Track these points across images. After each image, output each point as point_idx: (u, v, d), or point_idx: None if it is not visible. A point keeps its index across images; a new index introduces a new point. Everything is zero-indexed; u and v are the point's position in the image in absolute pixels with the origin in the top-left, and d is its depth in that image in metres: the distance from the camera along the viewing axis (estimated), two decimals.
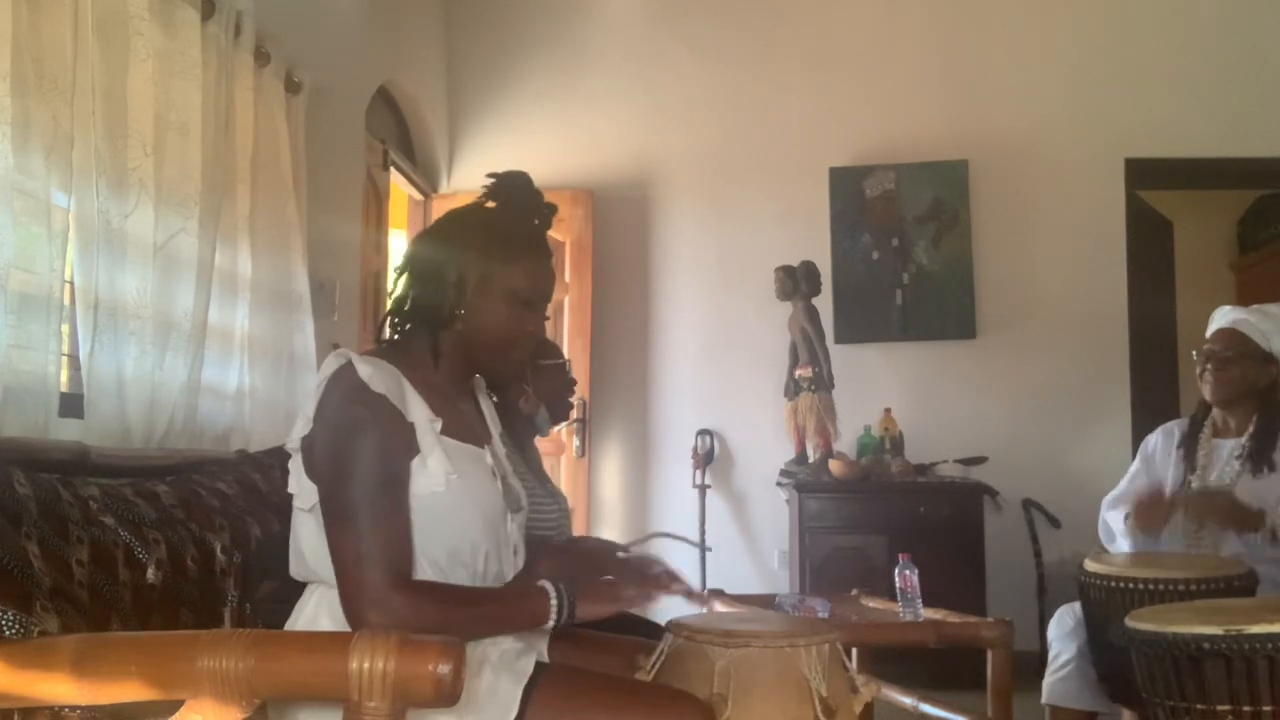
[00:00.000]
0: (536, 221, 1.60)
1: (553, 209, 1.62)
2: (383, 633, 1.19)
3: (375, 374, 1.41)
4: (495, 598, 1.49)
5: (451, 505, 1.44)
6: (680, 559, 4.72)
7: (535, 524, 2.21)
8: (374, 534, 1.35)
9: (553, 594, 1.45)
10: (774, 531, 4.85)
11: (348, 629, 1.22)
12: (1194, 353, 2.83)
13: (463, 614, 1.41)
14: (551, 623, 1.45)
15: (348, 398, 1.40)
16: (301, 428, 1.44)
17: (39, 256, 1.90)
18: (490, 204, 1.60)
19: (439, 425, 1.46)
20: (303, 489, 1.45)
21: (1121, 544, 2.79)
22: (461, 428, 1.53)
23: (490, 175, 1.61)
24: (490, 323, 1.53)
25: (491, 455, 1.59)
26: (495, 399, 1.75)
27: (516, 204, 1.59)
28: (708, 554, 4.72)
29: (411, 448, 1.43)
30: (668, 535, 2.80)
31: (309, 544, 1.45)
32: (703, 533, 4.75)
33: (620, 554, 1.83)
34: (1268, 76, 4.85)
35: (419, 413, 1.45)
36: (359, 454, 1.38)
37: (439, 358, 1.53)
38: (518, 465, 2.24)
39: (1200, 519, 2.63)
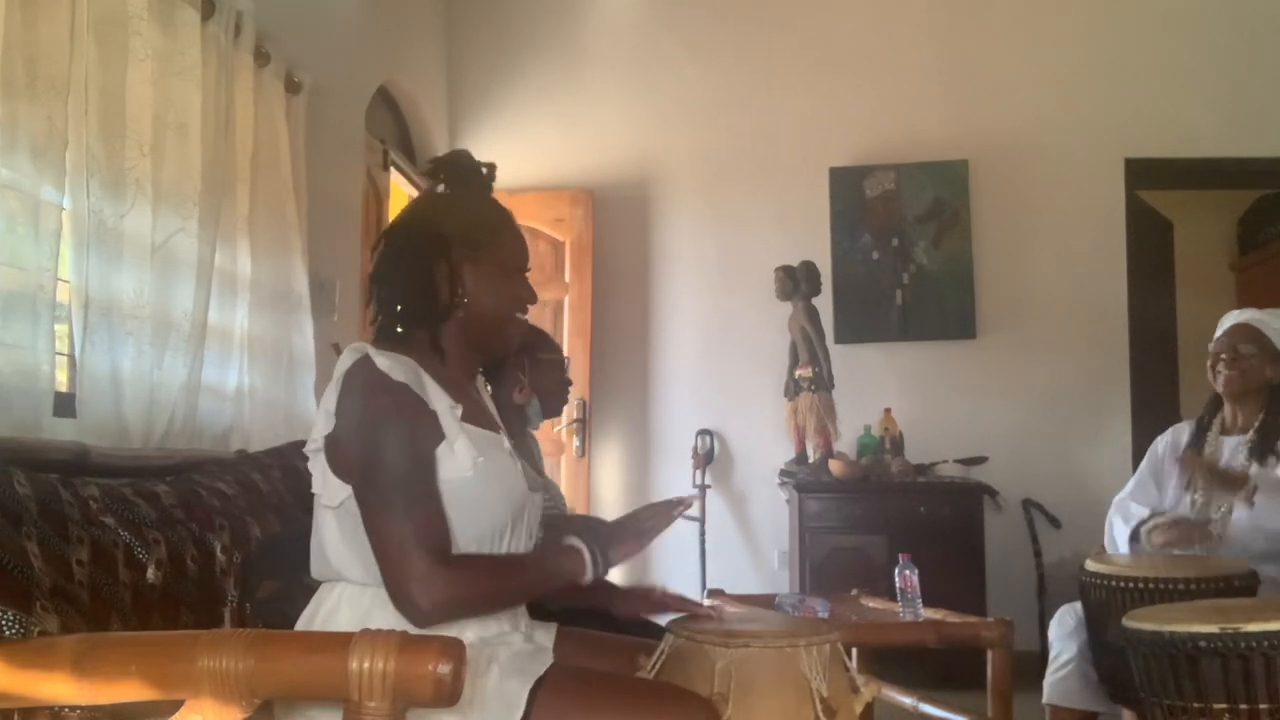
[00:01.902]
0: (490, 192, 1.64)
1: (492, 168, 1.65)
2: (383, 633, 1.19)
3: (394, 365, 1.42)
4: (534, 561, 1.53)
5: (479, 489, 1.45)
6: (679, 557, 4.72)
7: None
8: (412, 517, 1.36)
9: (584, 548, 1.51)
10: (774, 531, 4.85)
11: (366, 626, 1.22)
12: (1215, 343, 2.83)
13: (507, 581, 1.45)
14: (589, 575, 1.50)
15: (370, 389, 1.41)
16: (324, 425, 1.44)
17: (28, 255, 1.89)
18: (440, 189, 1.63)
19: (459, 411, 1.47)
20: (328, 486, 1.44)
21: (1123, 551, 2.80)
22: (478, 414, 1.55)
23: (430, 161, 1.65)
24: (491, 303, 1.56)
25: (507, 439, 1.61)
26: (490, 390, 1.76)
27: (469, 182, 1.62)
28: (706, 550, 4.72)
29: (436, 434, 1.44)
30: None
31: (331, 543, 1.45)
32: (703, 532, 4.75)
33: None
34: (1268, 76, 4.85)
35: (440, 401, 1.46)
36: (388, 442, 1.39)
37: (438, 347, 1.54)
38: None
39: (1193, 472, 2.70)
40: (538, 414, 2.52)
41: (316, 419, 1.47)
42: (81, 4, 2.06)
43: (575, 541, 1.52)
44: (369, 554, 1.40)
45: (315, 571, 1.50)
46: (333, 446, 1.43)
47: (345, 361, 1.45)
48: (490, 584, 1.43)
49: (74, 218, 2.07)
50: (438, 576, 1.34)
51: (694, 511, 4.70)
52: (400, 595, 1.35)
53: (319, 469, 1.46)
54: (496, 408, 1.72)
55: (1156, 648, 1.73)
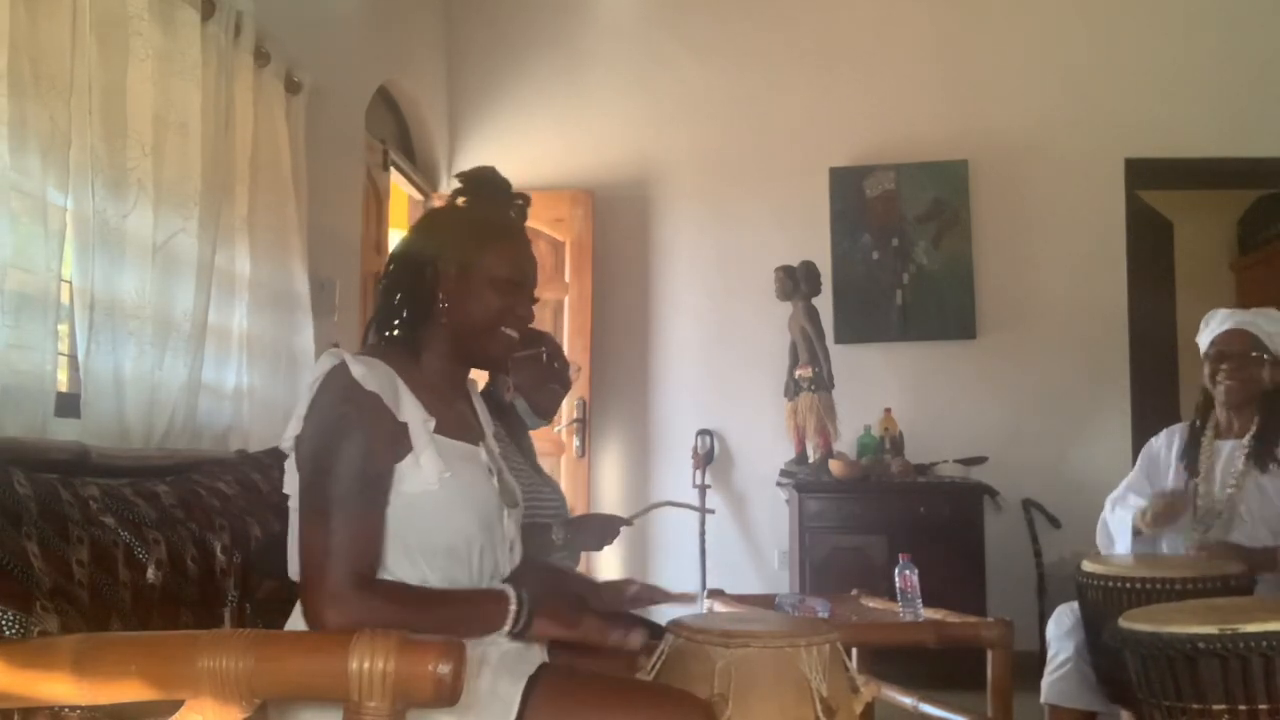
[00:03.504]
0: (511, 212, 1.63)
1: (525, 198, 1.64)
2: (383, 633, 1.19)
3: (369, 373, 1.42)
4: (453, 600, 1.46)
5: (445, 503, 1.45)
6: (679, 558, 4.72)
7: (536, 513, 2.23)
8: (342, 532, 1.36)
9: (512, 600, 1.45)
10: (774, 531, 4.85)
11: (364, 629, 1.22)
12: (1206, 352, 2.80)
13: (418, 616, 1.38)
14: (506, 630, 1.45)
15: (338, 396, 1.41)
16: (294, 427, 1.45)
17: (36, 256, 1.90)
18: (461, 201, 1.63)
19: (432, 424, 1.47)
20: (293, 488, 1.46)
21: (1120, 547, 2.79)
22: (456, 426, 1.54)
23: (457, 175, 1.65)
24: (476, 312, 1.55)
25: (486, 452, 1.60)
26: (491, 389, 1.75)
27: (486, 195, 1.62)
28: (706, 550, 4.72)
29: (401, 447, 1.43)
30: (670, 504, 2.84)
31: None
32: (703, 533, 4.75)
33: (624, 525, 2.05)
34: (1268, 76, 4.85)
35: (413, 412, 1.45)
36: (340, 452, 1.39)
37: (422, 354, 1.55)
38: (515, 460, 2.25)
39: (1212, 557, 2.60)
40: (527, 412, 2.52)
41: (290, 421, 1.47)
42: (82, 4, 2.06)
43: (506, 590, 1.46)
44: None
45: (293, 573, 1.50)
46: (298, 449, 1.45)
47: (321, 366, 1.45)
48: (400, 616, 1.35)
49: (77, 218, 2.07)
50: (350, 599, 1.33)
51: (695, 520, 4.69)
52: (311, 609, 1.35)
53: (290, 471, 1.47)
54: (498, 412, 1.72)
55: (1154, 649, 1.73)
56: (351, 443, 1.39)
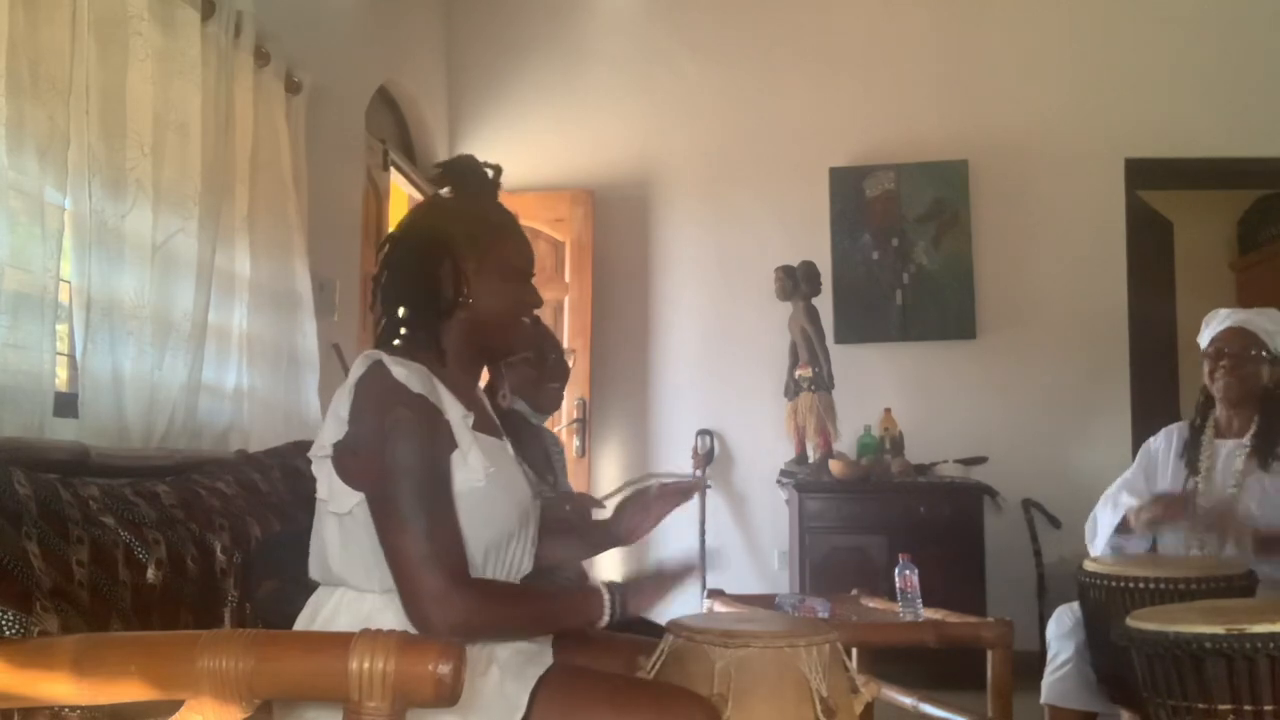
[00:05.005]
0: (497, 197, 1.64)
1: (498, 171, 1.64)
2: (383, 633, 1.19)
3: (410, 375, 1.41)
4: (552, 596, 1.54)
5: (490, 498, 1.45)
6: (678, 554, 4.71)
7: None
8: (431, 535, 1.36)
9: (606, 594, 1.51)
10: (774, 531, 4.85)
11: (364, 629, 1.22)
12: (1206, 350, 2.81)
13: (522, 611, 1.45)
14: (605, 620, 1.51)
15: (387, 399, 1.39)
16: (334, 431, 1.42)
17: (34, 256, 1.90)
18: (444, 192, 1.62)
19: (471, 419, 1.47)
20: (335, 493, 1.42)
21: (1100, 544, 2.79)
22: (485, 422, 1.56)
23: (438, 165, 1.64)
24: (496, 304, 1.55)
25: (511, 445, 1.61)
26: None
27: (476, 186, 1.61)
28: (706, 550, 4.72)
29: (450, 445, 1.44)
30: (656, 476, 2.86)
31: (333, 548, 1.44)
32: (703, 533, 4.75)
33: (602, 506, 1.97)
34: (1268, 76, 4.85)
35: (453, 410, 1.45)
36: (407, 456, 1.37)
37: (445, 354, 1.53)
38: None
39: (1207, 530, 2.62)
40: (529, 411, 2.53)
41: (325, 424, 1.45)
42: (82, 4, 2.06)
43: (599, 584, 1.53)
44: (371, 561, 1.40)
45: (314, 573, 1.49)
46: (344, 454, 1.42)
47: (359, 368, 1.44)
48: (506, 611, 1.42)
49: (75, 218, 2.08)
50: (454, 597, 1.34)
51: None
52: (416, 615, 1.34)
53: (325, 474, 1.44)
54: (500, 418, 1.72)
55: (1161, 648, 1.73)
56: (415, 446, 1.38)
